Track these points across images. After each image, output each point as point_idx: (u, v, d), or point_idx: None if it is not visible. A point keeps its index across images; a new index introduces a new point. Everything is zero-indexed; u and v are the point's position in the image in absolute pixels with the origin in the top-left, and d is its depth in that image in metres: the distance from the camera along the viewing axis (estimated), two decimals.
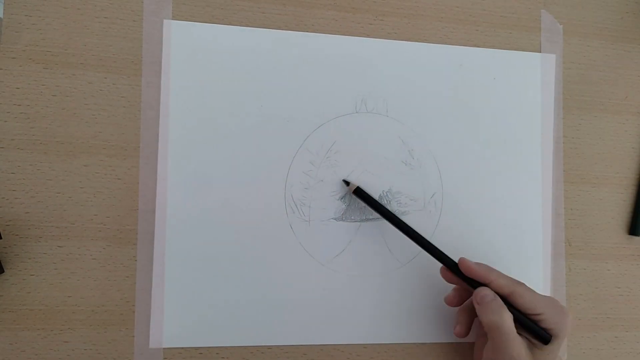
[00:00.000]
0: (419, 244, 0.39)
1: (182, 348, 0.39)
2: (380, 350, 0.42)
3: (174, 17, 0.41)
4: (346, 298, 0.41)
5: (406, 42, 0.44)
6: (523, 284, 0.37)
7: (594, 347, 0.45)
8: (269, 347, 0.40)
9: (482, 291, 0.37)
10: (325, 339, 0.41)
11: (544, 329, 0.36)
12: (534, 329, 0.36)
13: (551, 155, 0.46)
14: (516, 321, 0.36)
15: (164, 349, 0.39)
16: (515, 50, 0.46)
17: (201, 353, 0.39)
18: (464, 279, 0.38)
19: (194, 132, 0.40)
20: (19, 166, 0.39)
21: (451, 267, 0.38)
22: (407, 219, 0.42)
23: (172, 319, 0.39)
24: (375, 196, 0.42)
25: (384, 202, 0.42)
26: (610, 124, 0.47)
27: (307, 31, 0.43)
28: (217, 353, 0.40)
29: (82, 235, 0.39)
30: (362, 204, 0.42)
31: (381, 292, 0.42)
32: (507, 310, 0.36)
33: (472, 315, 0.40)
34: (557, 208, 0.45)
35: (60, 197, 0.39)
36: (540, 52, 0.46)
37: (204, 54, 0.41)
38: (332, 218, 0.42)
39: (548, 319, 0.36)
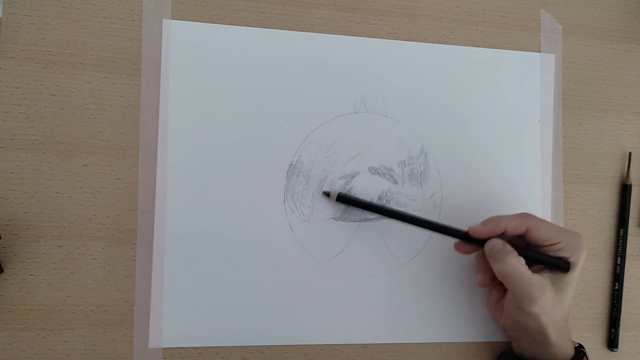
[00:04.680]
0: (425, 226, 0.39)
1: (182, 348, 0.39)
2: (380, 350, 0.42)
3: (174, 17, 0.41)
4: (346, 298, 0.41)
5: (406, 42, 0.44)
6: (533, 217, 0.38)
7: (593, 347, 0.45)
8: (269, 347, 0.40)
9: (490, 242, 0.37)
10: (325, 339, 0.41)
11: (562, 258, 0.37)
12: (552, 262, 0.37)
13: (551, 155, 0.46)
14: (535, 261, 0.37)
15: (163, 349, 0.39)
16: (514, 50, 0.46)
17: (200, 353, 0.39)
18: (480, 244, 0.38)
19: (193, 132, 0.40)
20: (18, 166, 0.39)
21: (464, 238, 0.38)
22: None
23: (171, 319, 0.39)
24: (375, 196, 0.42)
25: (383, 202, 0.42)
26: (610, 124, 0.47)
27: (306, 31, 0.43)
28: (216, 353, 0.40)
29: (81, 235, 0.39)
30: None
31: (381, 292, 0.42)
32: (516, 255, 0.36)
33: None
34: (557, 208, 0.45)
35: (60, 197, 0.39)
36: (539, 52, 0.46)
37: (204, 53, 0.41)
38: (332, 218, 0.42)
39: (565, 247, 0.37)
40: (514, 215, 0.38)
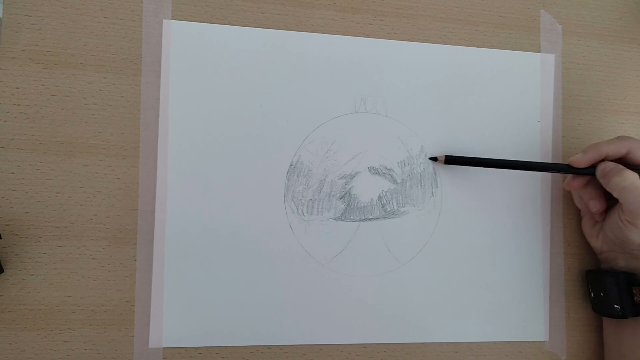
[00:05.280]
0: (528, 168, 0.42)
1: (182, 348, 0.39)
2: (380, 350, 0.42)
3: (174, 17, 0.41)
4: (346, 298, 0.41)
5: (405, 42, 0.44)
6: (631, 138, 0.40)
7: (592, 348, 0.45)
8: (269, 347, 0.40)
9: (601, 165, 0.40)
10: (325, 339, 0.41)
11: None
12: None
13: (551, 155, 0.46)
14: None
15: (163, 348, 0.39)
16: (514, 50, 0.46)
17: (201, 353, 0.39)
18: (585, 174, 0.41)
19: (194, 132, 0.40)
20: (18, 166, 0.39)
21: (567, 171, 0.41)
22: (406, 219, 0.43)
23: (171, 319, 0.39)
24: (375, 196, 0.42)
25: (383, 202, 0.43)
26: (610, 124, 0.47)
27: (306, 31, 0.43)
28: (216, 353, 0.40)
29: (81, 235, 0.39)
30: (362, 203, 0.42)
31: (381, 292, 0.42)
32: (629, 170, 0.38)
33: (600, 188, 0.41)
34: (556, 207, 0.45)
35: (60, 197, 0.39)
36: (539, 52, 0.46)
37: (204, 53, 0.41)
38: (332, 218, 0.42)
39: None
40: (613, 139, 0.40)
